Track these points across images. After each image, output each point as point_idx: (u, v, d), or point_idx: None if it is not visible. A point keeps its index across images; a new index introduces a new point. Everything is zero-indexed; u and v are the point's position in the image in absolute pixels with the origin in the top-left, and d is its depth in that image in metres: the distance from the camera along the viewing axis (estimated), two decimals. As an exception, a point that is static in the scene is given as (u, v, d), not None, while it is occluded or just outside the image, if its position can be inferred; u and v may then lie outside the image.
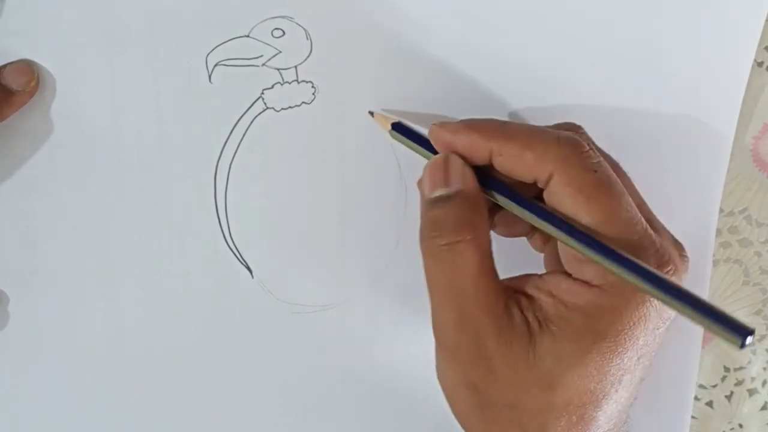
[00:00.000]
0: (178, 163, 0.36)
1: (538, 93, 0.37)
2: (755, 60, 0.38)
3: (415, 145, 0.33)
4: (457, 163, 0.31)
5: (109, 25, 0.34)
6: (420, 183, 0.33)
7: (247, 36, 0.35)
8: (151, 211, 0.37)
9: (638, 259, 0.28)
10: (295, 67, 0.36)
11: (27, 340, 0.38)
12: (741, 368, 0.44)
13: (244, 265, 0.38)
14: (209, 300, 0.38)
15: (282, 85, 0.36)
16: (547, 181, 0.30)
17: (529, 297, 0.31)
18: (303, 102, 0.36)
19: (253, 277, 0.38)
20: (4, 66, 0.34)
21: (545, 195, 0.30)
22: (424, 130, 0.33)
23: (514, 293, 0.31)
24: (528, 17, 0.36)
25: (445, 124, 0.32)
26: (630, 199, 0.30)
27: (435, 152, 0.33)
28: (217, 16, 0.35)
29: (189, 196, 0.37)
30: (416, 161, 0.37)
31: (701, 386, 0.44)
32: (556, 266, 0.32)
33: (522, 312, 0.30)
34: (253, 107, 0.36)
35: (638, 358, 0.30)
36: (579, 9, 0.36)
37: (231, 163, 0.36)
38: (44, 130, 0.36)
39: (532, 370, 0.30)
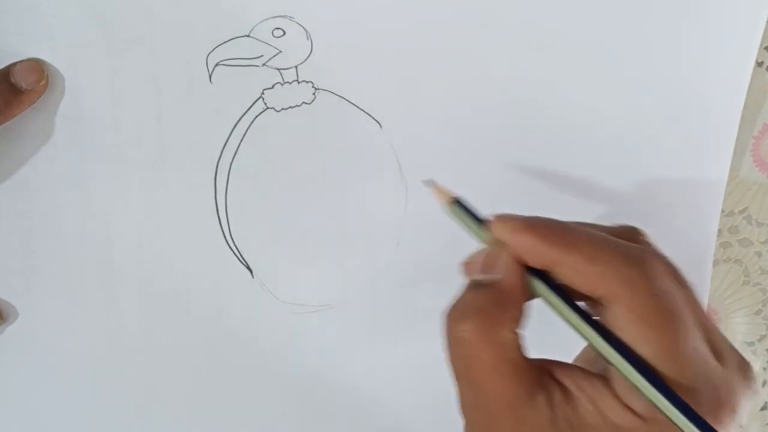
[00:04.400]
0: (178, 163, 0.36)
1: (538, 93, 0.37)
2: (756, 60, 0.38)
3: (473, 226, 0.30)
4: (504, 255, 0.29)
5: (109, 25, 0.34)
6: (466, 263, 0.31)
7: (248, 36, 0.35)
8: (151, 210, 0.37)
9: (692, 401, 0.26)
10: (296, 67, 0.36)
11: (27, 340, 0.38)
12: (741, 368, 0.44)
13: (245, 265, 0.38)
14: (209, 300, 0.38)
15: (282, 85, 0.36)
16: (609, 301, 0.28)
17: (567, 393, 0.28)
18: (303, 102, 0.36)
19: (253, 277, 0.38)
20: (14, 64, 0.34)
21: (604, 314, 0.28)
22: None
23: (549, 380, 0.29)
24: (528, 13, 0.36)
25: (506, 219, 0.29)
26: (695, 330, 0.28)
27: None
28: (217, 16, 0.35)
29: (189, 196, 0.37)
30: (416, 161, 0.37)
31: (701, 386, 0.44)
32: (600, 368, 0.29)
33: (551, 407, 0.28)
34: (253, 107, 0.36)
35: None
36: (581, 11, 0.36)
37: (231, 163, 0.36)
38: (44, 130, 0.36)
39: None
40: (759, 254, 0.42)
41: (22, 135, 0.35)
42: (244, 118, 0.36)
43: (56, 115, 0.35)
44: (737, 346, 0.43)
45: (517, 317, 0.28)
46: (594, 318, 0.28)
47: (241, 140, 0.36)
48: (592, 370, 0.29)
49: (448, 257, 0.38)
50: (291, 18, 0.35)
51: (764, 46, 0.38)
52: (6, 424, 0.39)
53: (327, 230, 0.38)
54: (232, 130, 0.36)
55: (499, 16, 0.36)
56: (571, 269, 0.28)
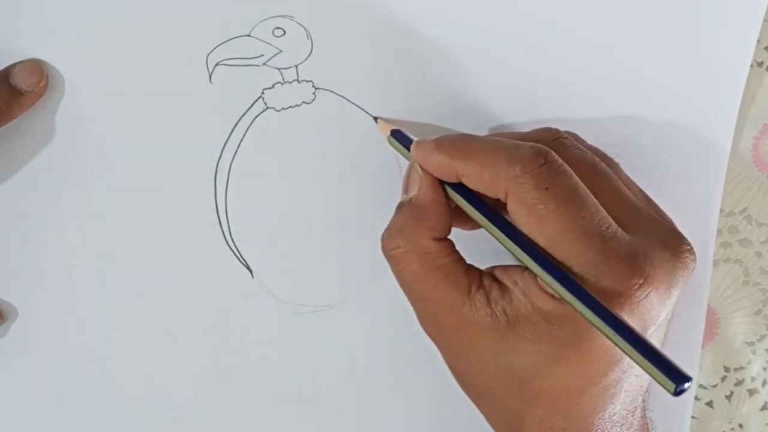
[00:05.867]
0: (178, 163, 0.36)
1: (537, 92, 0.37)
2: (754, 60, 0.38)
3: (408, 154, 0.34)
4: (414, 174, 0.33)
5: (109, 25, 0.34)
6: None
7: (248, 35, 0.35)
8: (151, 211, 0.37)
9: (596, 274, 0.28)
10: (296, 66, 0.36)
11: (27, 340, 0.38)
12: (741, 368, 0.44)
13: (245, 265, 0.38)
14: (209, 300, 0.38)
15: (282, 84, 0.36)
16: (506, 199, 0.30)
17: (504, 288, 0.31)
18: (303, 102, 0.36)
19: (253, 277, 0.38)
20: (14, 66, 0.34)
21: (509, 213, 0.31)
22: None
23: (490, 280, 0.31)
24: (527, 17, 0.36)
25: (420, 143, 0.33)
26: (591, 210, 0.29)
27: None
28: (217, 15, 0.35)
29: (189, 197, 0.37)
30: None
31: (701, 386, 0.44)
32: None
33: (489, 304, 0.31)
34: (253, 107, 0.36)
35: (612, 362, 0.30)
36: (578, 10, 0.36)
37: (231, 163, 0.36)
38: (44, 130, 0.35)
39: (499, 362, 0.31)
40: (759, 254, 0.42)
41: (22, 135, 0.35)
42: (244, 118, 0.36)
43: (56, 115, 0.35)
44: (737, 346, 0.43)
45: (434, 226, 0.31)
46: (502, 219, 0.31)
47: (241, 140, 0.36)
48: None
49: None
50: (291, 18, 0.35)
51: (763, 46, 0.38)
52: (6, 424, 0.39)
53: (327, 230, 0.38)
54: (232, 130, 0.36)
55: (499, 16, 0.36)
56: (472, 177, 0.31)
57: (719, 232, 0.41)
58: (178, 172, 0.36)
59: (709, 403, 0.44)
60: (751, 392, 0.44)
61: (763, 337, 0.43)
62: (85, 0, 0.34)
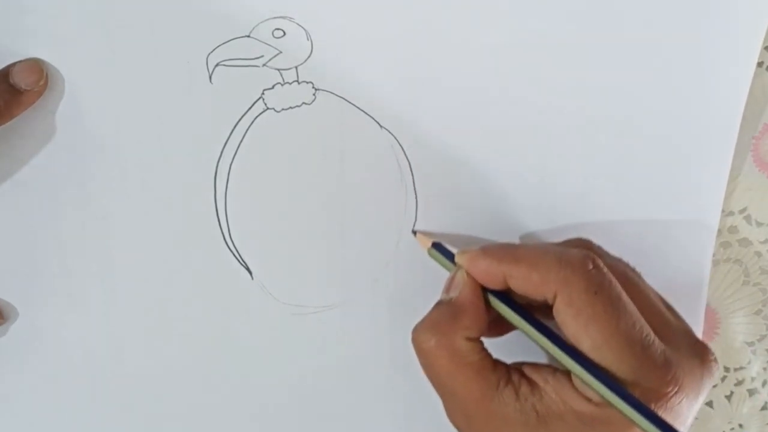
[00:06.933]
0: (178, 163, 0.36)
1: (538, 92, 0.37)
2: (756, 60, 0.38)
3: (449, 264, 0.35)
4: (459, 276, 0.34)
5: (109, 25, 0.34)
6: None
7: (248, 36, 0.35)
8: (151, 211, 0.37)
9: (636, 380, 0.30)
10: (296, 67, 0.36)
11: (27, 340, 0.38)
12: (741, 368, 0.44)
13: (244, 266, 0.38)
14: (209, 301, 0.38)
15: (282, 85, 0.36)
16: (553, 301, 0.31)
17: (534, 385, 0.32)
18: (303, 102, 0.36)
19: (253, 278, 0.38)
20: (13, 65, 0.34)
21: (554, 314, 0.32)
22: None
23: (518, 376, 0.33)
24: (529, 13, 0.36)
25: (466, 250, 0.34)
26: (633, 317, 0.31)
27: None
28: (217, 16, 0.34)
29: (189, 197, 0.37)
30: (416, 162, 0.37)
31: (701, 386, 0.44)
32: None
33: (518, 400, 0.32)
34: (253, 108, 0.36)
35: None
36: (584, 13, 0.36)
37: (231, 163, 0.36)
38: (44, 130, 0.35)
39: None
40: (759, 254, 0.42)
41: (22, 135, 0.35)
42: (244, 118, 0.36)
43: (56, 115, 0.35)
44: (737, 346, 0.43)
45: (469, 326, 0.33)
46: (543, 324, 0.32)
47: (241, 141, 0.36)
48: (559, 367, 0.32)
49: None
50: (291, 19, 0.35)
51: (764, 46, 0.38)
52: (6, 424, 0.39)
53: (327, 231, 0.38)
54: (232, 130, 0.36)
55: (499, 16, 0.36)
56: (520, 279, 0.32)
57: (719, 232, 0.41)
58: (178, 173, 0.36)
59: (709, 403, 0.44)
60: (751, 392, 0.44)
61: (763, 337, 0.43)
62: (86, 0, 0.34)
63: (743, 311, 0.43)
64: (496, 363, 0.33)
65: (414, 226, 0.38)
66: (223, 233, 0.37)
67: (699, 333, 0.41)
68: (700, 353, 0.33)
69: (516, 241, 0.39)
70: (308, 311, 0.39)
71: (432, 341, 0.32)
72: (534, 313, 0.34)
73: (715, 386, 0.44)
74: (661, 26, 0.36)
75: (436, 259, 0.36)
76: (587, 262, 0.32)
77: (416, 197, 0.38)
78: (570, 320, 0.31)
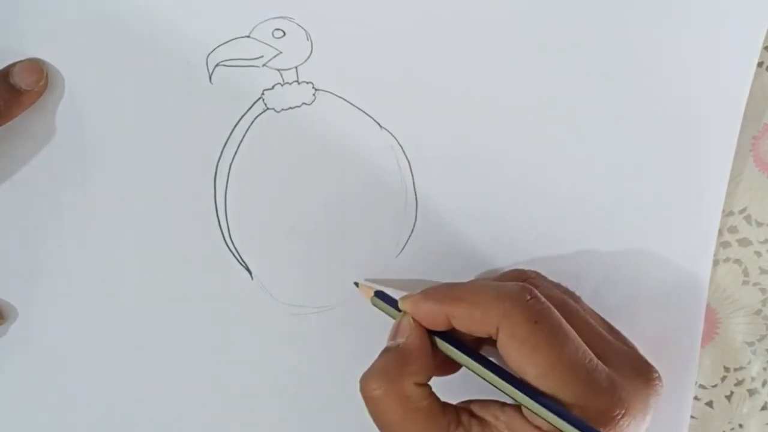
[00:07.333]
0: (178, 163, 0.36)
1: (539, 91, 0.37)
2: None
3: (393, 312, 0.35)
4: (405, 321, 0.34)
5: (109, 25, 0.34)
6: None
7: (248, 36, 0.35)
8: (151, 211, 0.37)
9: (583, 404, 0.30)
10: (296, 67, 0.36)
11: (27, 340, 0.38)
12: (741, 368, 0.44)
13: (244, 266, 0.38)
14: (209, 301, 0.38)
15: (282, 85, 0.36)
16: (497, 335, 0.32)
17: (485, 423, 0.32)
18: (303, 103, 0.36)
19: (252, 278, 0.38)
20: (13, 65, 0.34)
21: (498, 348, 0.32)
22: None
23: (468, 417, 0.33)
24: (529, 14, 0.36)
25: (408, 296, 0.34)
26: (575, 343, 0.32)
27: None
28: (217, 16, 0.35)
29: (189, 197, 0.37)
30: (416, 162, 0.37)
31: (701, 386, 0.44)
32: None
33: None
34: (253, 108, 0.36)
35: None
36: (585, 15, 0.36)
37: (231, 164, 0.36)
38: (44, 130, 0.36)
39: None
40: (759, 254, 0.42)
41: (22, 135, 0.35)
42: (244, 118, 0.36)
43: (56, 115, 0.35)
44: (737, 346, 0.43)
45: (418, 372, 0.33)
46: (489, 360, 0.33)
47: (241, 141, 0.36)
48: (508, 402, 0.32)
49: (448, 257, 0.38)
50: (291, 19, 0.35)
51: (764, 46, 0.38)
52: (6, 424, 0.39)
53: (327, 231, 0.38)
54: (232, 130, 0.36)
55: (499, 17, 0.36)
56: (463, 318, 0.32)
57: (719, 232, 0.41)
58: (178, 173, 0.36)
59: (709, 403, 0.44)
60: (751, 392, 0.44)
61: (763, 337, 0.43)
62: (86, 0, 0.34)
63: (743, 311, 0.43)
64: (445, 406, 0.33)
65: (414, 226, 0.38)
66: (222, 233, 0.37)
67: (699, 333, 0.41)
68: (644, 373, 0.33)
69: (516, 241, 0.39)
70: (308, 311, 0.39)
71: (381, 389, 0.32)
72: (481, 348, 0.34)
73: (714, 386, 0.44)
74: (661, 26, 0.36)
75: (380, 308, 0.36)
76: (525, 294, 0.32)
77: (416, 197, 0.38)
78: (514, 351, 0.31)
